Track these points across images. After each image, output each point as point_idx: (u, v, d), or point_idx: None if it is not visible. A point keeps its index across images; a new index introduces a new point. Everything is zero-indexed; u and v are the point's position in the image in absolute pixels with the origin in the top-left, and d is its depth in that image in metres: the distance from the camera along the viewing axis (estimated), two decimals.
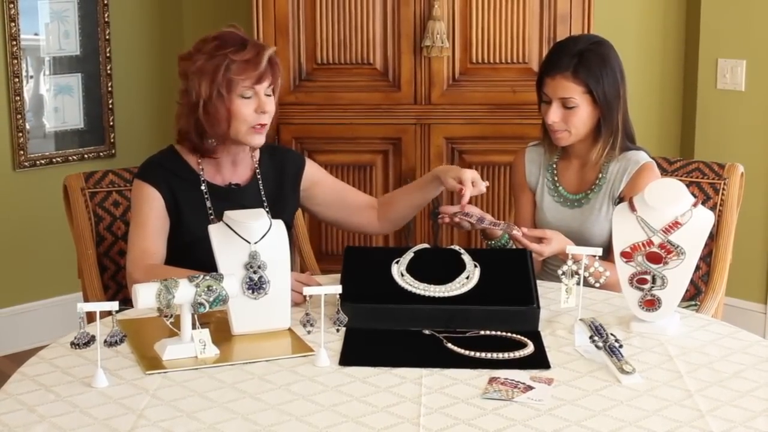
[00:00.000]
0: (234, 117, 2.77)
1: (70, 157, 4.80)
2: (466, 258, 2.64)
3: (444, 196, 4.06)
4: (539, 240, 2.83)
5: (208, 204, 2.84)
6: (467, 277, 2.58)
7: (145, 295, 2.20)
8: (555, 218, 3.09)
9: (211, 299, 2.25)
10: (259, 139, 2.83)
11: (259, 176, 2.94)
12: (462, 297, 2.53)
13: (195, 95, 2.77)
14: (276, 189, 2.96)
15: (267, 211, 2.80)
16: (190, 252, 2.75)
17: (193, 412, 2.02)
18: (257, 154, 2.96)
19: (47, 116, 4.73)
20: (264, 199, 2.91)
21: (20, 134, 4.62)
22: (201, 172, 2.87)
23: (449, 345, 2.34)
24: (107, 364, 2.20)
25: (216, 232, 2.45)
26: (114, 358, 2.26)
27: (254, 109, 2.78)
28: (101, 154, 4.89)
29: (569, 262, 2.50)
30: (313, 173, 3.05)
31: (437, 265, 2.62)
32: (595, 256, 2.52)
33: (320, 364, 2.24)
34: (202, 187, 2.86)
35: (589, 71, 2.95)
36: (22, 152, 4.64)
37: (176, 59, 2.88)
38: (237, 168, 2.91)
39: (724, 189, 3.26)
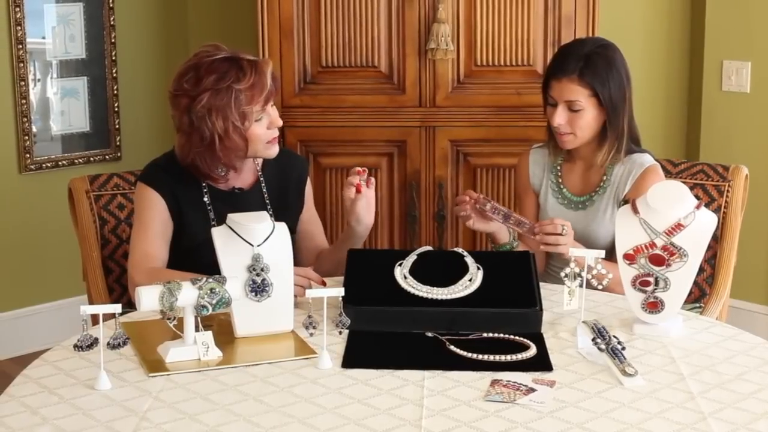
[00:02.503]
0: (251, 141, 2.78)
1: (76, 160, 4.81)
2: (469, 260, 2.64)
3: (449, 197, 4.06)
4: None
5: (211, 208, 2.85)
6: (470, 280, 2.58)
7: (148, 298, 2.21)
8: None
9: (214, 302, 2.26)
10: (276, 149, 2.86)
11: (262, 181, 2.94)
12: (465, 299, 2.53)
13: (209, 133, 2.74)
14: (279, 193, 2.96)
15: (271, 215, 2.81)
16: (193, 255, 2.75)
17: (196, 415, 2.02)
18: (260, 159, 2.96)
19: (54, 119, 4.74)
20: (267, 203, 2.92)
21: (26, 137, 4.63)
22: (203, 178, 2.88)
23: (452, 347, 2.34)
24: (110, 366, 2.21)
25: (219, 234, 2.46)
26: (117, 360, 2.27)
27: (267, 127, 2.80)
28: (107, 157, 4.90)
29: (572, 265, 2.50)
30: (307, 193, 3.06)
31: (440, 267, 2.62)
32: (597, 258, 2.51)
33: (323, 367, 2.24)
34: (205, 192, 2.86)
35: (595, 74, 2.95)
36: (28, 155, 4.65)
37: (180, 62, 2.86)
38: (241, 174, 2.92)
39: (728, 191, 3.26)
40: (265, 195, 2.93)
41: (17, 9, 4.52)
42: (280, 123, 2.83)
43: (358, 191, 2.80)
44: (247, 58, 2.78)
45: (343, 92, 4.07)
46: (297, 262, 3.03)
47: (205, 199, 2.86)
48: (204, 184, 2.87)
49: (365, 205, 2.83)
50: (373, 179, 2.85)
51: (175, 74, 2.81)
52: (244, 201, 2.86)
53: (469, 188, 4.07)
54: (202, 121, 2.73)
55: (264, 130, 2.79)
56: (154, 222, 2.80)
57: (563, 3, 3.97)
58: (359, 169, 2.82)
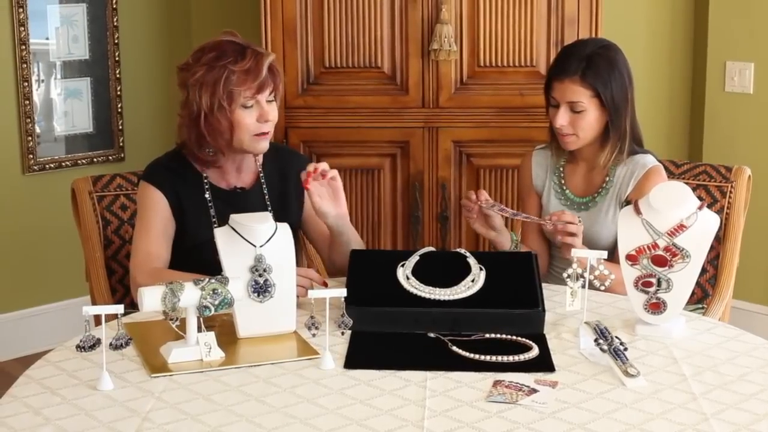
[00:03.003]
0: (236, 127, 2.77)
1: (79, 161, 4.82)
2: (472, 261, 2.64)
3: (452, 198, 4.06)
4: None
5: (212, 207, 2.85)
6: (472, 280, 2.58)
7: (151, 299, 2.21)
8: None
9: (217, 302, 2.26)
10: (264, 145, 2.83)
11: (263, 180, 2.94)
12: (467, 300, 2.53)
13: (196, 107, 2.76)
14: (280, 192, 2.96)
15: (271, 214, 2.81)
16: (195, 255, 2.76)
17: (198, 415, 2.02)
18: (260, 157, 2.96)
19: (57, 120, 4.75)
20: (268, 203, 2.92)
21: (30, 138, 4.64)
22: (205, 177, 2.88)
23: (454, 348, 2.34)
24: (113, 367, 2.21)
25: (222, 235, 2.46)
26: (119, 361, 2.27)
27: (256, 118, 2.78)
28: (110, 157, 4.91)
29: (574, 265, 2.50)
30: None
31: (443, 268, 2.62)
32: (600, 259, 2.51)
33: (325, 367, 2.25)
34: (206, 191, 2.87)
35: (598, 75, 2.95)
36: (31, 156, 4.66)
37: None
38: (241, 173, 2.92)
39: (731, 192, 3.26)
40: (266, 195, 2.93)
41: (20, 10, 4.53)
42: (272, 118, 2.80)
43: (305, 187, 2.76)
44: (253, 48, 2.80)
45: (346, 93, 4.07)
46: (312, 259, 3.04)
47: (207, 195, 2.86)
48: (206, 183, 2.87)
49: (320, 197, 2.77)
50: (330, 173, 2.76)
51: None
52: (245, 200, 2.86)
53: (472, 189, 4.07)
54: (193, 95, 2.76)
55: (252, 120, 2.78)
56: (156, 221, 2.80)
57: (566, 4, 3.97)
58: (309, 170, 2.75)
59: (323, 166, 2.76)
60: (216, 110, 2.75)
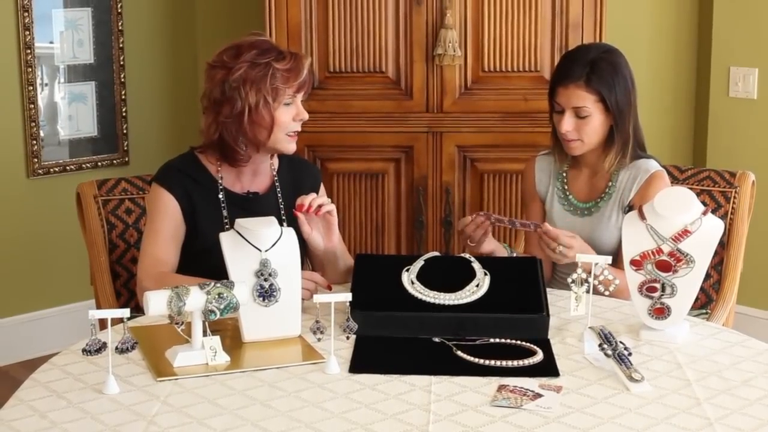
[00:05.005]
0: (276, 124, 2.80)
1: (83, 165, 4.83)
2: (476, 266, 2.64)
3: (456, 202, 4.07)
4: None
5: (225, 211, 2.85)
6: (477, 285, 2.59)
7: (156, 303, 2.21)
8: (565, 226, 3.08)
9: (222, 306, 2.26)
10: (293, 146, 2.87)
11: (277, 185, 2.95)
12: (472, 305, 2.54)
13: (240, 103, 2.77)
14: (293, 199, 2.96)
15: (284, 220, 2.81)
16: (205, 258, 2.75)
17: (204, 419, 2.03)
18: (276, 163, 2.97)
19: (61, 124, 4.75)
20: (282, 208, 2.92)
21: (34, 142, 4.65)
22: (220, 179, 2.88)
23: (459, 353, 2.34)
24: (118, 370, 2.22)
25: (227, 239, 2.46)
26: (125, 364, 2.28)
27: (293, 117, 2.82)
28: (115, 161, 4.91)
29: (579, 270, 2.50)
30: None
31: (447, 272, 2.63)
32: (604, 264, 2.52)
33: (330, 372, 2.25)
34: (220, 194, 2.87)
35: (602, 79, 2.95)
36: (36, 160, 4.66)
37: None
38: (257, 177, 2.93)
39: (735, 197, 3.27)
40: (280, 200, 2.93)
41: (26, 14, 4.53)
42: (306, 116, 2.85)
43: (294, 213, 2.78)
44: (287, 49, 2.85)
45: (350, 98, 4.08)
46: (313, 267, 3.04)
47: (220, 196, 2.87)
48: (220, 186, 2.87)
49: (310, 227, 2.80)
50: (325, 207, 2.77)
51: (217, 51, 2.86)
52: (259, 205, 2.87)
53: (476, 193, 4.08)
54: (235, 92, 2.77)
55: (289, 118, 2.81)
56: (165, 225, 2.80)
57: (570, 9, 3.98)
58: (303, 203, 2.76)
59: (321, 200, 2.78)
60: (261, 107, 2.77)
